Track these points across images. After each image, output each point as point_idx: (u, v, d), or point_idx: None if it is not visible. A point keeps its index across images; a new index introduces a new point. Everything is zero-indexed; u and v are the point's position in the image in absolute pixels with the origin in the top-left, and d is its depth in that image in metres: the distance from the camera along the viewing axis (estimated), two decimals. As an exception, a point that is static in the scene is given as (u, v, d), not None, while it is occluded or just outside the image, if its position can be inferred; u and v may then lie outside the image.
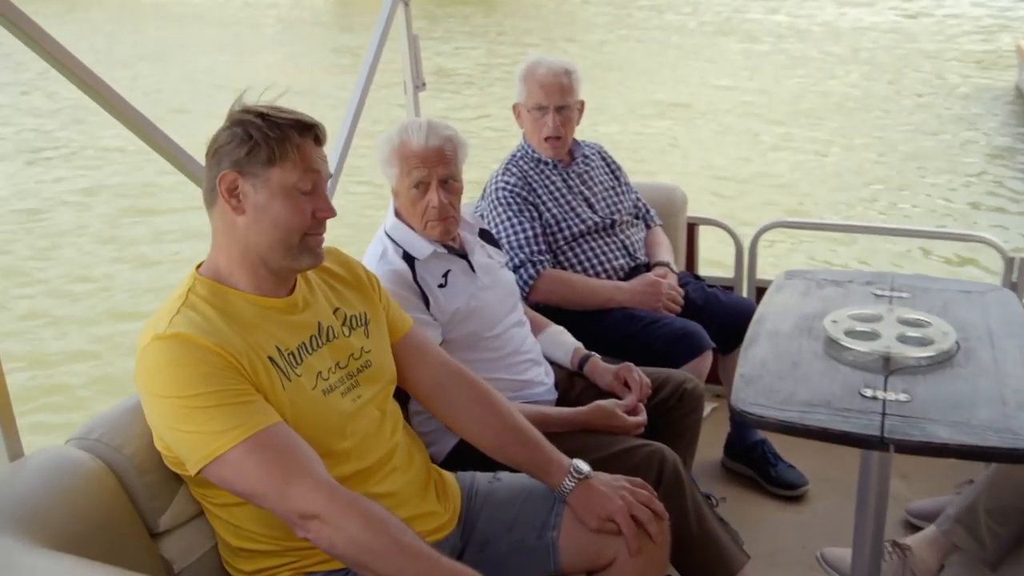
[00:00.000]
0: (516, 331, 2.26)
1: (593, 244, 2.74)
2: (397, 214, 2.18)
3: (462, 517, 1.79)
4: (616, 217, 2.81)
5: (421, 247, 2.13)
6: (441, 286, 2.13)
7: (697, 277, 2.99)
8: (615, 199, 2.85)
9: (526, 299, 2.61)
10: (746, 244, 3.17)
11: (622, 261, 2.76)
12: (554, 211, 2.71)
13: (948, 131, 10.11)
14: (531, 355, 2.28)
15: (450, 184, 2.10)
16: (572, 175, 2.81)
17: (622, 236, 2.80)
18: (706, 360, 2.50)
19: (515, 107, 2.81)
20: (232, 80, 12.53)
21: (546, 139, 2.74)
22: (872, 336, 1.83)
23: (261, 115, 1.52)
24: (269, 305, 1.57)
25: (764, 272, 3.25)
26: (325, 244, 1.73)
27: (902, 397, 1.60)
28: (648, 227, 2.96)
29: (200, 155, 1.63)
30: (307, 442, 1.48)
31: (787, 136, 10.05)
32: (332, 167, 2.49)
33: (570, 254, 2.71)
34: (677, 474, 2.02)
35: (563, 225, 2.70)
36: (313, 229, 1.57)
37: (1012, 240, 6.61)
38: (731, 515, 2.59)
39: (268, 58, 16.15)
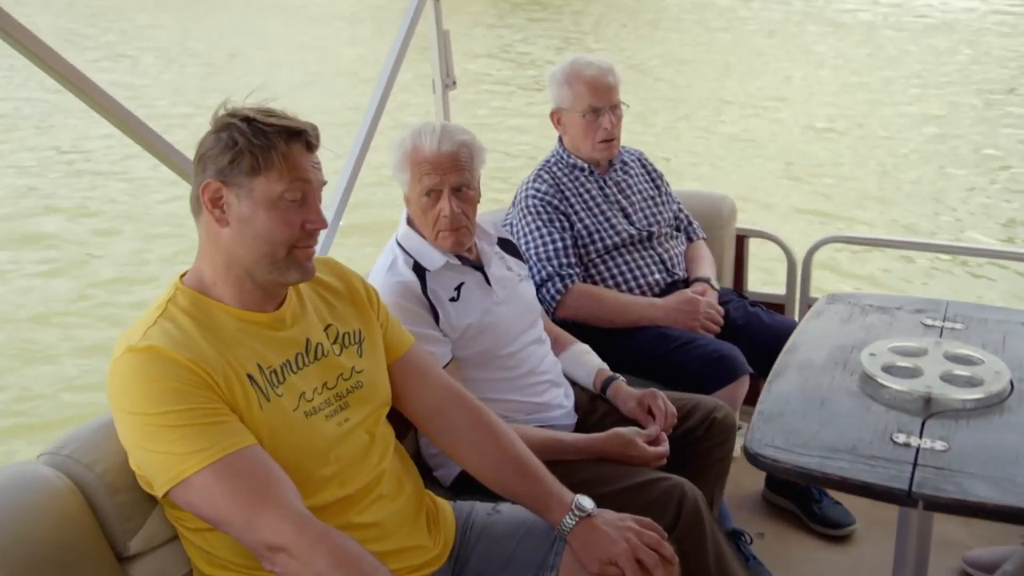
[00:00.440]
0: (533, 349, 2.18)
1: (628, 257, 2.64)
2: (409, 222, 2.12)
3: (455, 551, 1.72)
4: (654, 229, 2.70)
5: (433, 258, 2.06)
6: (453, 300, 2.06)
7: (740, 295, 2.85)
8: (654, 210, 2.74)
9: (553, 315, 2.53)
10: (799, 259, 3.03)
11: (658, 276, 2.66)
12: (587, 221, 2.61)
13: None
14: (549, 376, 2.20)
15: (464, 192, 2.03)
16: (609, 183, 2.71)
17: (660, 249, 2.69)
18: (741, 386, 2.38)
19: (554, 113, 2.72)
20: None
21: (601, 141, 2.65)
22: (913, 373, 1.69)
23: (247, 120, 1.46)
24: (253, 320, 1.52)
25: (822, 291, 3.09)
26: (323, 255, 1.69)
27: (938, 445, 1.47)
28: (690, 240, 2.84)
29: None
30: (284, 467, 1.43)
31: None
32: (348, 172, 2.46)
33: (602, 267, 2.62)
34: (697, 513, 1.92)
35: (596, 236, 2.61)
36: (302, 241, 1.50)
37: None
38: (768, 554, 2.47)
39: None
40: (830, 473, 1.42)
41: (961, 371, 1.70)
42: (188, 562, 1.57)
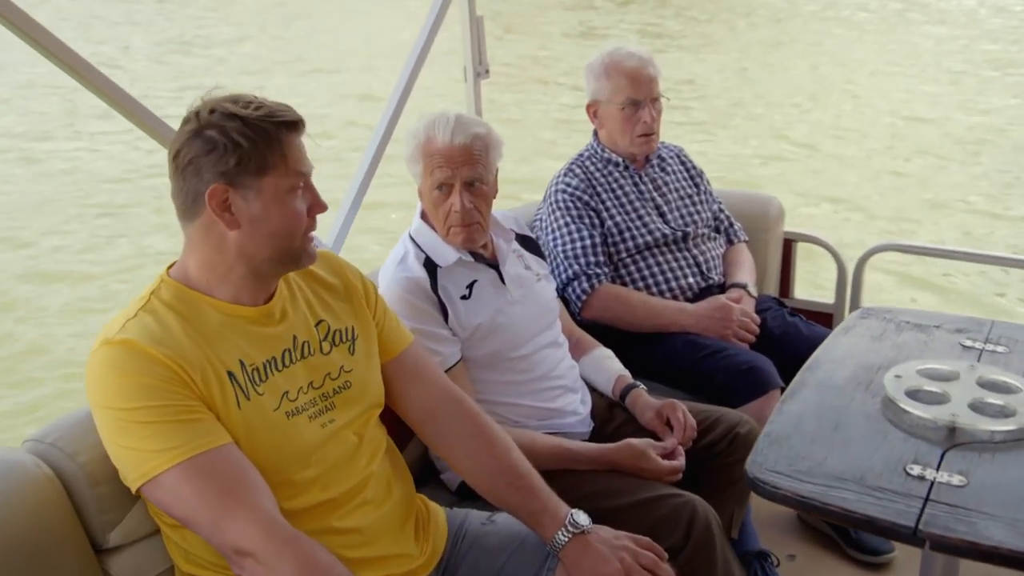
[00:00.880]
0: (548, 353, 2.14)
1: (660, 258, 2.57)
2: (423, 216, 2.10)
3: (443, 560, 1.69)
4: (690, 229, 2.63)
5: (445, 254, 2.03)
6: (464, 298, 2.03)
7: (780, 303, 2.76)
8: (691, 209, 2.67)
9: (577, 316, 2.48)
10: (850, 267, 2.92)
11: (692, 280, 2.59)
12: (618, 219, 2.56)
13: None
14: (564, 381, 2.15)
15: (476, 187, 1.99)
16: (644, 179, 2.65)
17: (695, 251, 2.62)
18: (771, 401, 2.28)
19: (590, 106, 2.67)
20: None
21: (640, 135, 2.59)
22: (940, 399, 1.60)
23: (239, 118, 1.42)
24: (239, 314, 1.51)
25: (874, 301, 2.98)
26: (320, 248, 1.68)
27: (956, 480, 1.38)
28: (730, 242, 2.76)
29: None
30: (262, 469, 1.42)
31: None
32: (364, 169, 2.45)
33: (632, 268, 2.56)
34: (708, 533, 1.86)
35: (627, 235, 2.55)
36: (310, 227, 1.52)
37: None
38: (797, 578, 2.40)
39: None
40: (831, 504, 1.35)
41: (993, 399, 1.60)
42: (168, 558, 1.57)
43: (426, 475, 2.16)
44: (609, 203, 2.57)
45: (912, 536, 1.30)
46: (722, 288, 2.62)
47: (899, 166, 8.50)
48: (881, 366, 1.74)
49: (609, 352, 2.31)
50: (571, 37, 15.69)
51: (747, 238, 2.79)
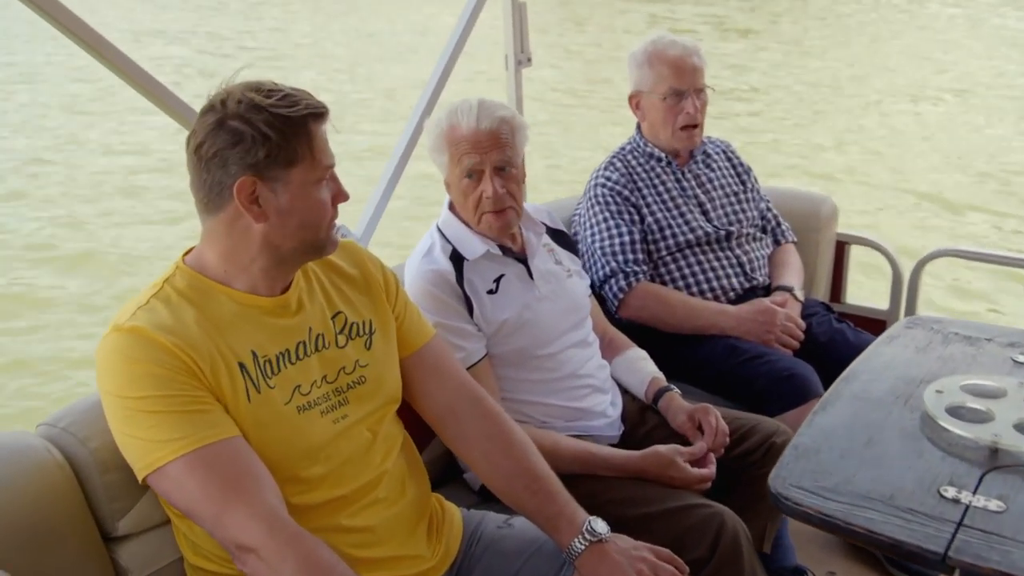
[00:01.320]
0: (577, 352, 2.11)
1: (702, 258, 2.53)
2: (451, 208, 2.08)
3: (457, 563, 1.68)
4: (734, 228, 2.57)
5: (473, 246, 2.02)
6: (491, 292, 2.02)
7: (828, 308, 2.69)
8: (736, 207, 2.62)
9: (613, 314, 2.45)
10: (906, 272, 2.84)
11: (735, 280, 2.54)
12: (659, 215, 2.52)
13: None
14: (593, 381, 2.13)
15: (507, 172, 1.97)
16: (687, 175, 2.60)
17: (739, 251, 2.57)
18: (810, 410, 2.23)
19: (632, 97, 2.63)
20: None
21: (682, 128, 2.55)
22: (983, 417, 1.54)
23: (265, 108, 1.41)
24: (254, 304, 1.51)
25: (932, 309, 2.90)
26: (344, 238, 1.68)
27: (993, 505, 1.33)
28: (777, 243, 2.70)
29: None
30: (270, 463, 1.42)
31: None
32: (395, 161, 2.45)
33: (672, 267, 2.52)
34: (736, 545, 1.82)
35: (667, 232, 2.51)
36: (334, 216, 1.53)
37: None
38: (836, 596, 2.34)
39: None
40: (855, 524, 1.31)
41: (1043, 420, 1.54)
42: (177, 550, 1.58)
43: (449, 474, 2.15)
44: (650, 198, 2.53)
45: (941, 563, 1.25)
46: (767, 291, 2.57)
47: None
48: (924, 379, 1.69)
49: (643, 353, 2.28)
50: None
51: (795, 239, 2.73)
